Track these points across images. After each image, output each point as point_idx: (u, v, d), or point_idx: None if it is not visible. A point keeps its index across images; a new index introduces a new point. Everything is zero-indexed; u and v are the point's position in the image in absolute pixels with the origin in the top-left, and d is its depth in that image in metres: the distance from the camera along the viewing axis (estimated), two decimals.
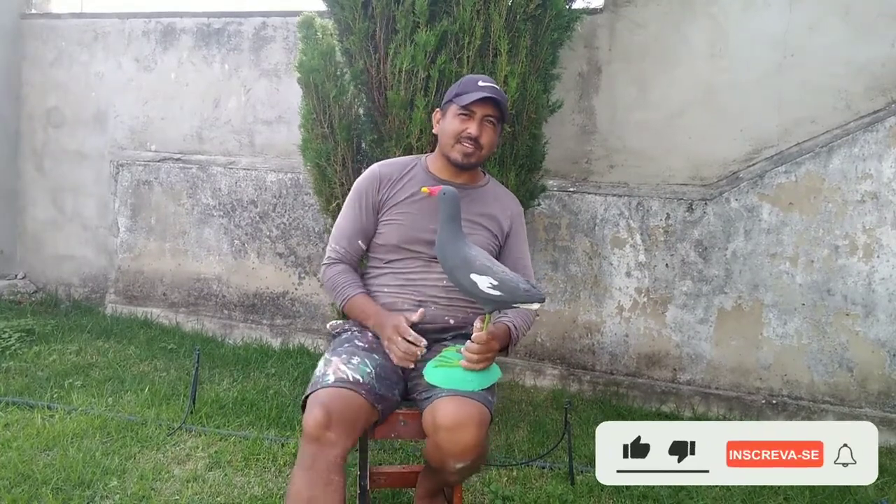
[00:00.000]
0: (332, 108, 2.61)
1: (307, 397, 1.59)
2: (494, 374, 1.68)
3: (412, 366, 1.69)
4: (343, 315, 1.98)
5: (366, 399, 1.59)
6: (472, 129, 1.78)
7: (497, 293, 1.52)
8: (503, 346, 1.75)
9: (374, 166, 1.92)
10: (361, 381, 1.61)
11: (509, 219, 1.92)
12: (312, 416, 1.50)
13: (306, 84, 2.65)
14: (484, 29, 2.45)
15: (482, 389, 1.61)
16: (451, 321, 1.81)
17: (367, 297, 1.81)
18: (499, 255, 1.90)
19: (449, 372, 1.63)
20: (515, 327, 1.78)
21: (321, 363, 1.71)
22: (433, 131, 1.93)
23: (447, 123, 1.83)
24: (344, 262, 1.87)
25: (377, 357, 1.73)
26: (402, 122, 2.49)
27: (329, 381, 1.59)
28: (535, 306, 1.58)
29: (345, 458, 1.53)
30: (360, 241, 1.87)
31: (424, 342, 1.68)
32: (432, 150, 1.97)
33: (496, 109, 1.78)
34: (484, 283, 1.52)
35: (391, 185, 1.86)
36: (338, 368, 1.63)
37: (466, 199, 1.85)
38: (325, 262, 1.90)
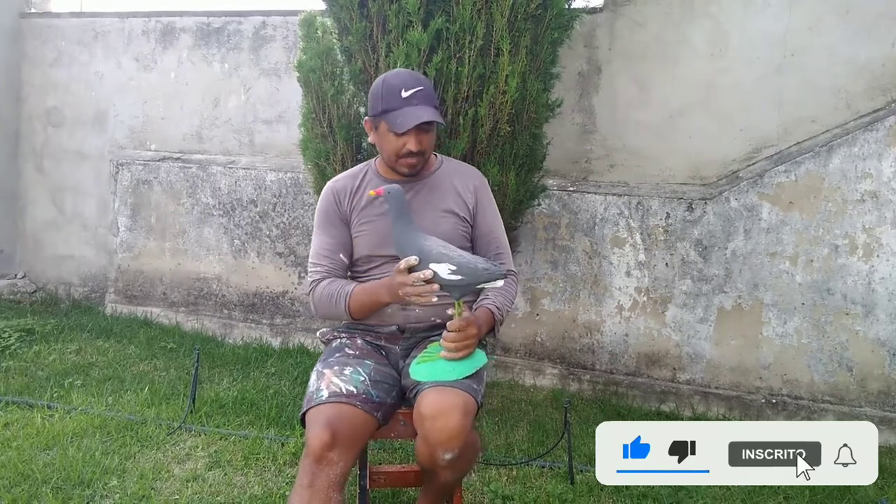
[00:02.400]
0: (330, 108, 2.61)
1: (305, 413, 1.59)
2: (478, 360, 1.66)
3: (435, 299, 1.57)
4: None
5: (362, 409, 1.59)
6: (412, 145, 1.71)
7: (458, 277, 1.53)
8: (489, 328, 1.74)
9: (328, 185, 1.89)
10: (356, 391, 1.61)
11: (473, 193, 1.86)
12: (318, 436, 1.49)
13: (305, 83, 2.65)
14: (485, 28, 2.45)
15: (466, 377, 1.60)
16: (438, 320, 1.80)
17: (363, 284, 1.76)
18: (471, 233, 1.87)
19: (431, 365, 1.63)
20: (498, 308, 1.76)
21: (314, 376, 1.70)
22: (369, 140, 1.86)
23: (383, 140, 1.77)
24: (328, 277, 1.80)
25: (369, 362, 1.73)
26: None
27: (323, 397, 1.59)
28: (499, 283, 1.57)
29: (346, 477, 1.54)
30: (341, 255, 1.82)
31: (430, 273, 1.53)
32: None
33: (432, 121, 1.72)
34: (443, 270, 1.52)
35: (350, 197, 1.83)
36: (330, 382, 1.63)
37: (425, 189, 1.83)
38: (310, 287, 1.81)
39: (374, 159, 1.93)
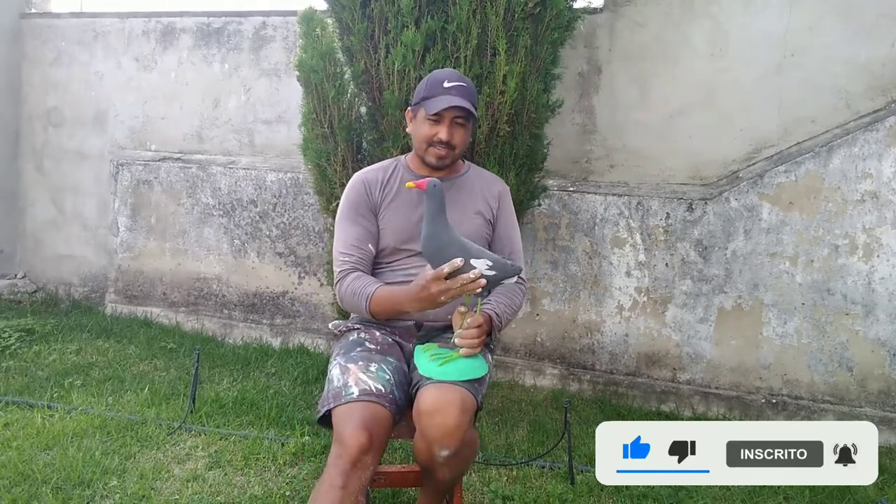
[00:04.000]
0: (331, 109, 2.61)
1: (330, 409, 1.58)
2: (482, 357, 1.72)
3: (480, 289, 1.56)
4: (346, 315, 1.96)
5: (389, 410, 1.59)
6: (443, 133, 1.78)
7: (493, 273, 1.58)
8: (488, 332, 1.76)
9: (357, 175, 1.91)
10: (383, 390, 1.61)
11: (496, 199, 1.93)
12: (355, 437, 1.48)
13: (306, 83, 2.65)
14: (481, 28, 2.45)
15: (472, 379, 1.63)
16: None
17: (388, 286, 1.75)
18: (491, 237, 1.91)
19: (454, 365, 1.62)
20: (497, 315, 1.77)
21: (336, 370, 1.68)
22: (407, 130, 1.92)
23: (418, 127, 1.83)
24: (357, 270, 1.80)
25: (392, 360, 1.73)
26: (398, 122, 2.49)
27: (354, 395, 1.57)
28: (514, 278, 1.67)
29: (371, 479, 1.54)
30: (370, 245, 1.83)
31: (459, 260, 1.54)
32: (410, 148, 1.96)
33: (465, 109, 1.78)
34: (483, 266, 1.56)
35: (380, 188, 1.86)
36: (359, 378, 1.61)
37: (452, 189, 1.86)
38: (338, 277, 1.80)
39: (404, 155, 1.97)
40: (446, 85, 1.78)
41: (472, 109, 1.79)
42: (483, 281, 1.55)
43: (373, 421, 1.53)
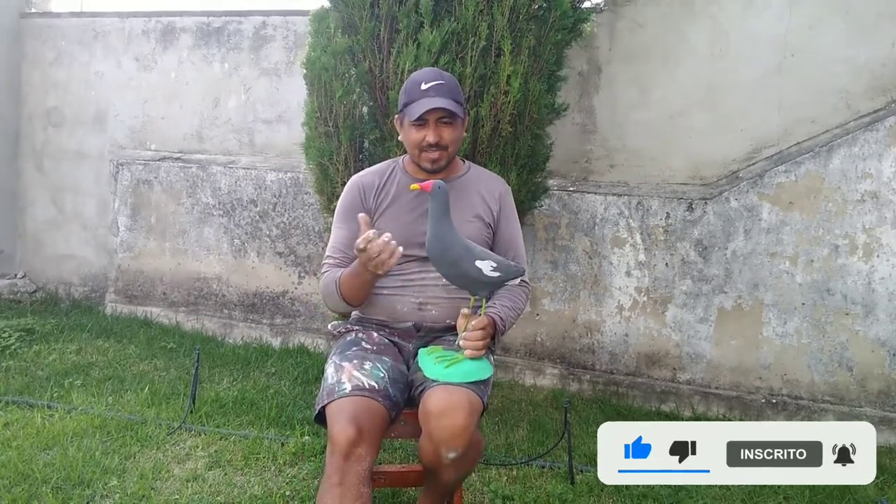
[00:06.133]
0: (337, 107, 2.60)
1: (324, 406, 1.58)
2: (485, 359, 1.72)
3: (393, 261, 1.58)
4: (343, 316, 1.97)
5: (383, 405, 1.59)
6: (430, 136, 1.75)
7: (497, 274, 1.61)
8: (492, 335, 1.76)
9: (354, 178, 1.90)
10: (377, 387, 1.61)
11: (497, 200, 1.90)
12: (343, 431, 1.48)
13: (312, 81, 2.64)
14: (488, 29, 2.45)
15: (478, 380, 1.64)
16: (452, 322, 1.81)
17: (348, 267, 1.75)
18: (493, 240, 1.89)
19: (458, 367, 1.63)
20: (502, 318, 1.77)
21: (331, 368, 1.69)
22: (399, 138, 1.88)
23: (406, 134, 1.81)
24: (336, 268, 1.82)
25: (387, 359, 1.73)
26: None
27: (346, 390, 1.58)
28: (516, 281, 1.71)
29: (372, 469, 1.54)
30: (355, 251, 1.84)
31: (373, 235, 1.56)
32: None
33: (446, 110, 1.74)
34: (487, 267, 1.59)
35: (376, 193, 1.85)
36: (352, 375, 1.62)
37: (453, 191, 1.83)
38: (319, 275, 1.87)
39: (402, 157, 1.95)
40: (423, 87, 1.74)
41: (454, 106, 1.74)
42: (398, 249, 1.56)
43: (363, 414, 1.53)
